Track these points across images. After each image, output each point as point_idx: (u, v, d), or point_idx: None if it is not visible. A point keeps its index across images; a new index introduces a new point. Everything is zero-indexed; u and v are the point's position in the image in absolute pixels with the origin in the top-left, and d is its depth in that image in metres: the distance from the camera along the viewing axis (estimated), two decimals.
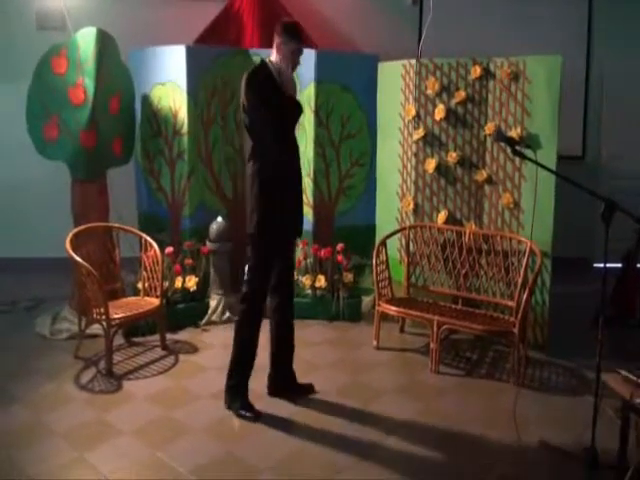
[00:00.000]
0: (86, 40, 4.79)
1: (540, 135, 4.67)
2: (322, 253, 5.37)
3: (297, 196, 3.81)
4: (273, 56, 3.66)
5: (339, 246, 5.39)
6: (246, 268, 3.77)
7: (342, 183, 5.73)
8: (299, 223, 3.86)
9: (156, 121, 5.57)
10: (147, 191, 5.74)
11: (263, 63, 3.67)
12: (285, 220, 3.73)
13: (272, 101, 3.53)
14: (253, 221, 3.68)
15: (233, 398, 3.79)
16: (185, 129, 5.42)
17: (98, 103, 4.82)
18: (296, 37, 3.63)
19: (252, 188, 3.67)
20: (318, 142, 5.59)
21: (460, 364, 4.56)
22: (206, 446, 3.43)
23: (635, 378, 2.70)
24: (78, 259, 4.24)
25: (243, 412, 3.73)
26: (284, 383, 4.02)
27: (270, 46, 5.80)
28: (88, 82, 4.78)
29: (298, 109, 3.76)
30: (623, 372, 2.85)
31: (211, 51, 5.62)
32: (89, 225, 4.78)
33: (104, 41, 4.85)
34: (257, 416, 3.71)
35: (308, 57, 5.52)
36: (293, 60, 3.67)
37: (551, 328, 4.79)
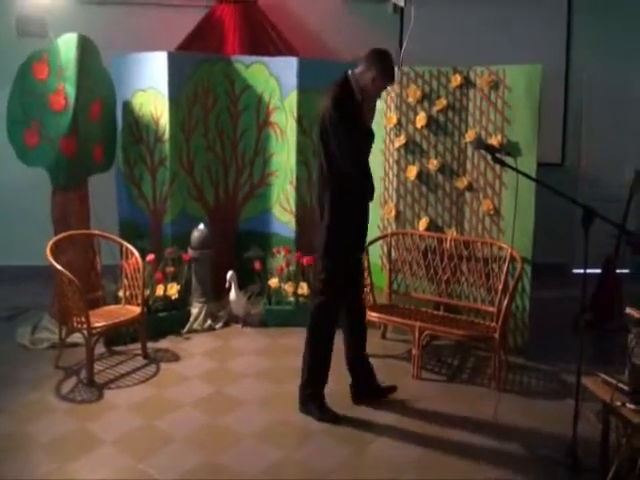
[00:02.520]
0: (67, 46, 4.77)
1: (520, 142, 4.72)
2: (305, 260, 5.37)
3: (367, 216, 3.83)
4: (358, 71, 3.61)
5: None
6: (321, 277, 3.77)
7: None
8: (364, 241, 3.93)
9: (137, 128, 5.56)
10: (128, 198, 5.72)
11: (346, 79, 3.61)
12: (356, 237, 3.78)
13: (353, 128, 3.51)
14: (326, 236, 3.67)
15: (311, 407, 3.82)
16: (167, 136, 5.42)
17: (79, 109, 4.80)
18: (391, 79, 3.66)
19: (326, 205, 3.63)
20: (300, 150, 5.60)
21: (442, 370, 4.58)
22: (188, 455, 3.41)
23: (614, 381, 2.73)
24: (59, 267, 4.21)
25: (324, 419, 3.75)
26: (367, 390, 4.05)
27: (251, 53, 5.91)
28: (69, 88, 4.76)
29: (372, 137, 3.75)
30: (603, 375, 2.89)
31: (193, 58, 5.63)
32: (70, 233, 4.74)
33: (85, 47, 4.83)
34: (337, 418, 3.76)
35: (290, 65, 5.56)
36: (377, 94, 3.67)
37: (531, 333, 4.83)
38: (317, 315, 3.81)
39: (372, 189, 3.74)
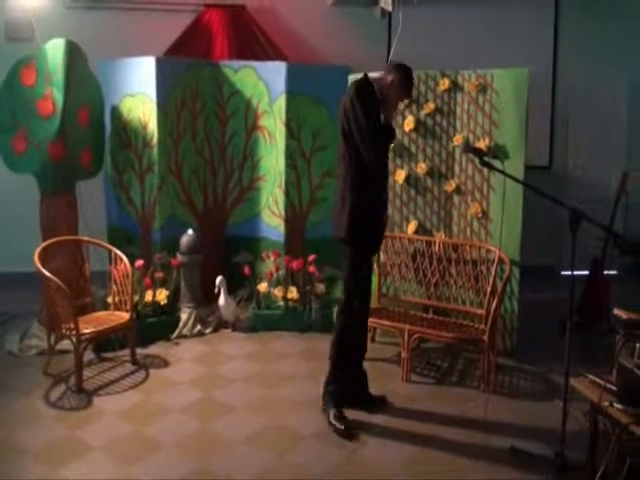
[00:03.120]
0: (55, 51, 4.75)
1: (508, 146, 4.75)
2: (294, 265, 5.38)
3: (383, 208, 3.88)
4: (378, 75, 3.68)
5: (311, 257, 5.40)
6: (347, 267, 3.77)
7: (313, 194, 5.77)
8: (382, 234, 3.93)
9: (125, 133, 5.55)
10: (117, 204, 5.71)
11: (367, 79, 3.67)
12: (373, 228, 3.78)
13: (372, 116, 3.55)
14: (345, 228, 3.68)
15: (329, 404, 3.80)
16: (155, 141, 5.41)
17: (67, 115, 4.78)
18: (410, 91, 3.75)
19: (347, 194, 3.66)
20: (289, 154, 5.62)
21: (431, 372, 4.59)
22: (178, 462, 3.39)
23: (602, 382, 2.75)
24: (47, 273, 4.19)
25: (335, 422, 3.72)
26: (355, 393, 4.00)
27: (240, 57, 5.92)
28: (57, 94, 4.74)
29: (392, 132, 3.78)
30: (591, 376, 2.91)
31: (181, 63, 5.63)
32: (58, 239, 4.72)
33: (73, 52, 4.82)
34: (348, 428, 3.68)
35: (279, 70, 5.57)
36: (394, 102, 3.73)
37: (520, 335, 4.85)
38: (346, 310, 3.78)
39: (385, 179, 3.80)
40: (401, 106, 4.94)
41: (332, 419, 3.74)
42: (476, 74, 4.88)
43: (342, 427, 3.68)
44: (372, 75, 3.71)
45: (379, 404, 4.03)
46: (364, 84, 3.64)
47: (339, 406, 3.80)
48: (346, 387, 3.92)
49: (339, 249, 3.80)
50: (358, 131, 3.54)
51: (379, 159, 3.66)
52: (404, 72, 3.66)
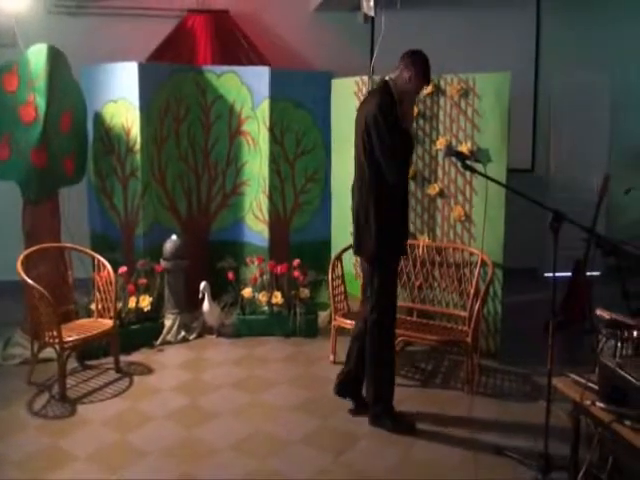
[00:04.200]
0: (37, 57, 4.72)
1: (490, 149, 4.78)
2: (278, 269, 5.37)
3: (407, 220, 3.87)
4: (394, 75, 3.67)
5: (295, 262, 5.39)
6: (374, 286, 3.74)
7: (297, 199, 5.77)
8: (406, 247, 3.91)
9: (108, 139, 5.53)
10: (100, 210, 5.68)
11: (387, 85, 3.66)
12: (399, 240, 3.77)
13: (395, 131, 3.55)
14: (372, 248, 3.67)
15: (386, 420, 3.77)
16: (138, 147, 5.39)
17: (49, 121, 4.75)
18: (428, 77, 3.70)
19: (370, 210, 3.65)
20: (273, 159, 5.62)
21: (416, 375, 4.61)
22: (164, 469, 3.38)
23: (584, 381, 2.77)
24: (30, 281, 4.15)
25: (399, 428, 3.74)
26: (353, 390, 4.01)
27: (223, 62, 5.93)
28: (39, 100, 4.71)
29: (410, 139, 3.78)
30: (573, 376, 2.93)
31: (164, 68, 5.62)
32: (41, 246, 4.68)
33: (55, 58, 4.79)
34: (412, 426, 3.75)
35: (262, 74, 5.58)
36: (414, 96, 3.76)
37: (503, 336, 4.87)
38: (378, 328, 3.75)
39: (405, 193, 3.78)
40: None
41: (395, 428, 3.74)
42: (458, 78, 4.91)
43: (410, 428, 3.74)
44: (389, 77, 3.70)
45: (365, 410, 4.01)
46: (385, 96, 3.62)
47: (394, 414, 3.80)
48: (348, 384, 3.97)
49: (363, 267, 3.82)
50: (381, 148, 3.54)
51: (402, 174, 3.66)
52: (420, 64, 3.64)
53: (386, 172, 3.57)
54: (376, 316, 3.73)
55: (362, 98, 5.12)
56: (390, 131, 3.53)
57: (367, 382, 3.84)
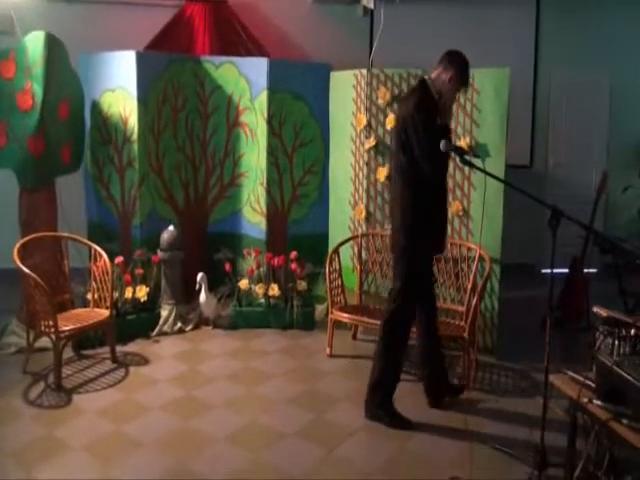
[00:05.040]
0: (34, 44, 4.69)
1: (489, 144, 4.77)
2: (275, 262, 5.37)
3: (446, 214, 3.87)
4: (434, 75, 3.69)
5: (292, 254, 5.39)
6: (396, 284, 3.79)
7: (295, 191, 5.76)
8: (444, 241, 3.91)
9: (106, 128, 5.50)
10: (96, 200, 5.65)
11: (425, 84, 3.68)
12: (434, 236, 3.78)
13: (433, 130, 3.56)
14: (404, 236, 3.69)
15: (381, 413, 3.78)
16: (135, 136, 5.36)
17: (47, 109, 4.72)
18: (466, 79, 3.73)
19: (406, 206, 3.67)
20: (271, 150, 5.60)
21: (412, 370, 4.60)
22: (158, 460, 3.38)
23: (582, 378, 2.78)
24: (26, 270, 4.14)
25: (396, 424, 3.74)
26: (439, 393, 4.04)
27: (221, 53, 5.89)
28: (36, 87, 4.68)
29: (448, 135, 3.76)
30: (570, 373, 2.93)
31: (162, 58, 5.58)
32: (37, 235, 4.65)
33: (53, 46, 4.76)
34: (410, 423, 3.75)
35: (260, 66, 5.55)
36: (453, 96, 3.76)
37: (500, 332, 4.88)
38: (392, 320, 3.78)
39: (445, 191, 3.82)
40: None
41: (392, 424, 3.75)
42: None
43: (406, 425, 3.74)
44: (428, 76, 3.72)
45: (459, 392, 4.13)
46: (423, 95, 3.64)
47: (392, 408, 3.81)
48: (433, 385, 4.02)
49: (395, 261, 3.85)
50: (419, 146, 3.55)
51: (439, 171, 3.68)
52: (460, 65, 3.66)
53: (424, 170, 3.59)
54: (394, 306, 3.76)
55: (359, 91, 5.12)
56: (428, 130, 3.54)
57: (373, 367, 3.84)
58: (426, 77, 3.72)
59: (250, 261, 5.50)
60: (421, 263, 3.81)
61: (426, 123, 3.55)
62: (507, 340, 4.94)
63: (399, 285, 3.76)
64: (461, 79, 3.69)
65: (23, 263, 4.21)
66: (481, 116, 4.80)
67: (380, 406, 3.80)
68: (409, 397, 4.15)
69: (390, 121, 5.03)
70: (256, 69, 5.59)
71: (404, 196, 3.68)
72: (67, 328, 4.22)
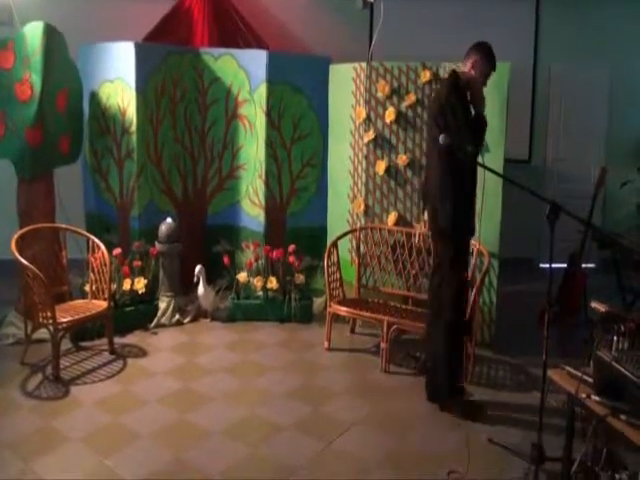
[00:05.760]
0: (33, 34, 4.66)
1: (488, 139, 4.74)
2: (274, 254, 5.36)
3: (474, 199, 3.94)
4: (465, 68, 3.81)
5: (291, 247, 5.38)
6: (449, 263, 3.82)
7: (294, 184, 5.75)
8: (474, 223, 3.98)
9: (104, 119, 5.48)
10: (95, 191, 5.64)
11: (455, 73, 3.80)
12: (471, 220, 3.87)
13: (466, 111, 3.70)
14: (449, 223, 3.74)
15: (455, 403, 3.84)
16: (134, 127, 5.34)
17: (45, 99, 4.70)
18: (492, 61, 3.79)
19: (450, 189, 3.73)
20: (270, 143, 5.58)
21: (410, 363, 4.62)
22: (156, 452, 3.38)
23: (579, 373, 2.78)
24: (24, 261, 4.13)
25: (470, 412, 3.81)
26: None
27: (220, 44, 5.87)
28: (35, 78, 4.66)
29: (483, 122, 3.84)
30: (568, 368, 2.94)
31: (160, 49, 5.56)
32: (35, 226, 4.65)
33: (51, 36, 4.74)
34: (482, 409, 3.85)
35: (259, 58, 5.53)
36: (484, 80, 3.82)
37: (498, 326, 4.90)
38: (453, 306, 3.82)
39: (474, 174, 3.86)
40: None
41: (466, 413, 3.80)
42: (457, 66, 4.87)
43: (481, 410, 3.83)
44: (459, 70, 3.83)
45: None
46: (454, 81, 3.74)
47: (463, 397, 3.92)
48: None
49: (437, 249, 3.90)
50: (456, 126, 3.61)
51: (475, 148, 3.73)
52: (483, 50, 3.78)
53: (462, 144, 3.62)
54: (452, 292, 3.79)
55: (359, 84, 5.11)
56: (462, 106, 3.67)
57: (435, 363, 3.90)
58: (455, 67, 3.85)
59: (248, 254, 5.50)
60: (465, 247, 3.89)
61: (459, 102, 3.67)
62: (505, 334, 4.95)
63: (451, 266, 3.79)
64: (487, 63, 3.78)
65: (21, 254, 4.21)
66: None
67: (455, 398, 3.86)
68: (407, 390, 4.16)
69: (390, 114, 5.03)
70: (255, 61, 5.57)
71: (446, 180, 3.72)
72: (65, 320, 4.22)
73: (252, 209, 5.73)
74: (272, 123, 5.59)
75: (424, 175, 4.16)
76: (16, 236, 4.38)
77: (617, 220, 7.15)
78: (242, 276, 5.38)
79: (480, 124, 3.79)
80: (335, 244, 5.05)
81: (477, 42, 3.86)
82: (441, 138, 3.35)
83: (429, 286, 4.01)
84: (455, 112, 3.63)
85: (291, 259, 5.35)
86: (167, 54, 5.55)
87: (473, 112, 3.77)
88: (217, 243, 5.76)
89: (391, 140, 5.09)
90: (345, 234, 5.18)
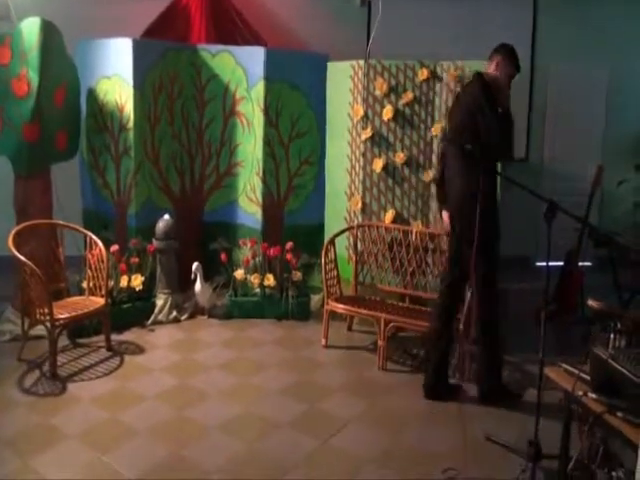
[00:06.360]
0: (30, 30, 4.64)
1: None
2: (271, 252, 5.36)
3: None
4: (489, 69, 3.91)
5: (288, 245, 5.38)
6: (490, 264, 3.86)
7: (291, 182, 5.75)
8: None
9: (102, 115, 5.47)
10: (92, 187, 5.63)
11: (481, 75, 3.87)
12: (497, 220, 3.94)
13: (495, 112, 3.76)
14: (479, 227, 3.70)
15: (502, 395, 3.96)
16: (131, 124, 5.34)
17: (42, 95, 4.69)
18: (515, 62, 3.90)
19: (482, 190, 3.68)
20: (267, 140, 5.58)
21: (407, 361, 4.63)
22: (153, 448, 3.39)
23: (576, 371, 2.79)
24: (21, 257, 4.12)
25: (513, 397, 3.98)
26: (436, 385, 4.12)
27: (218, 41, 5.86)
28: (32, 74, 4.64)
29: (509, 121, 3.88)
30: (565, 365, 2.94)
31: (158, 45, 5.55)
32: (32, 222, 4.65)
33: (49, 32, 4.72)
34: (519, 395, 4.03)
35: (257, 55, 5.52)
36: (508, 81, 3.91)
37: None
38: (495, 303, 3.90)
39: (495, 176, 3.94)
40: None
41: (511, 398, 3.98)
42: (455, 65, 4.89)
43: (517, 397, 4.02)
44: (486, 73, 3.90)
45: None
46: (482, 83, 3.80)
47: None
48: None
49: (462, 248, 3.90)
50: (487, 124, 3.67)
51: (509, 148, 3.85)
52: (504, 51, 3.89)
53: (497, 149, 3.73)
54: (493, 288, 3.86)
55: (356, 82, 5.11)
56: (490, 108, 3.72)
57: (485, 360, 3.98)
58: (482, 72, 3.90)
59: (246, 251, 5.50)
60: (494, 247, 3.92)
61: (488, 103, 3.72)
62: (501, 332, 4.94)
63: (492, 267, 3.85)
64: (510, 64, 3.87)
65: (18, 250, 4.20)
66: None
67: (500, 390, 3.97)
68: (404, 388, 4.17)
69: (387, 112, 5.03)
70: (253, 58, 5.56)
71: (477, 180, 3.69)
72: (62, 316, 4.22)
73: (249, 206, 5.72)
74: (270, 121, 5.58)
75: (436, 175, 4.27)
76: (13, 232, 4.38)
77: (614, 218, 7.17)
78: (239, 273, 5.38)
79: (507, 123, 3.84)
80: (332, 241, 5.05)
81: (500, 44, 3.96)
82: (440, 136, 3.37)
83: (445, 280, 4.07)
84: (485, 114, 3.68)
85: (288, 256, 5.35)
86: (165, 51, 5.54)
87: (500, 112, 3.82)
88: (214, 240, 5.76)
89: (388, 138, 5.09)
90: (342, 232, 5.18)
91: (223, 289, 5.56)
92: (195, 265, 5.28)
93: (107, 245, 4.84)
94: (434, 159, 5.01)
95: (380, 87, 5.05)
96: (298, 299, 5.37)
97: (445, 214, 4.13)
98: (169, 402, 3.89)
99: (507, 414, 3.85)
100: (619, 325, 2.85)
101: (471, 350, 4.45)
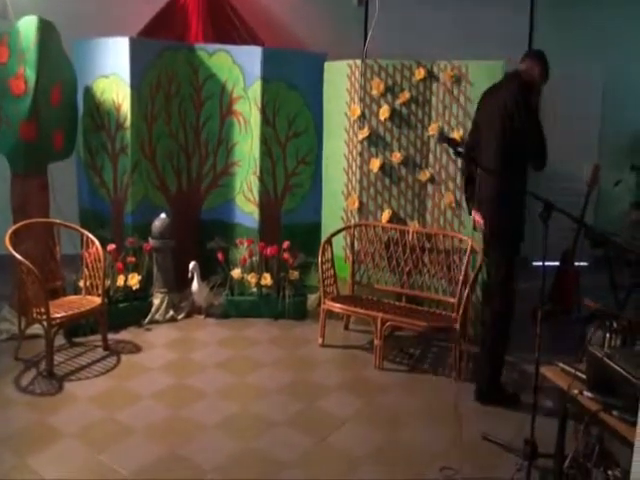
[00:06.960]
0: (27, 29, 4.63)
1: None
2: (268, 251, 5.36)
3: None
4: (524, 67, 3.96)
5: (285, 244, 5.39)
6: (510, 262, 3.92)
7: (288, 181, 5.75)
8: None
9: (99, 114, 5.46)
10: (89, 186, 5.63)
11: (519, 75, 3.92)
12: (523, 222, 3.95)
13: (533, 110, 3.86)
14: (509, 223, 3.82)
15: (499, 395, 3.98)
16: (128, 123, 5.33)
17: (39, 94, 4.67)
18: (548, 73, 4.02)
19: (518, 191, 3.75)
20: (264, 140, 5.58)
21: (403, 360, 4.64)
22: (150, 447, 3.39)
23: (572, 370, 2.80)
24: (18, 256, 4.12)
25: (511, 399, 3.98)
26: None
27: (215, 41, 5.86)
28: (29, 72, 4.63)
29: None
30: (561, 364, 2.96)
31: (155, 44, 5.54)
32: (29, 221, 4.63)
33: (46, 30, 4.70)
34: (517, 396, 4.01)
35: (254, 54, 5.52)
36: (539, 89, 4.05)
37: None
38: (509, 301, 3.95)
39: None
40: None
41: (509, 400, 3.98)
42: (452, 65, 4.90)
43: (516, 399, 3.99)
44: (518, 68, 3.96)
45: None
46: (522, 82, 3.86)
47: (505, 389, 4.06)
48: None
49: (490, 249, 3.96)
50: (535, 131, 3.75)
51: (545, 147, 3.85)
52: (545, 61, 3.99)
53: (540, 153, 3.78)
54: (506, 288, 3.92)
55: (353, 81, 5.11)
56: (531, 109, 3.80)
57: (487, 358, 4.01)
58: (517, 69, 3.94)
59: (243, 250, 5.50)
60: (518, 249, 3.97)
61: (529, 104, 3.79)
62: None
63: (509, 265, 3.91)
64: (544, 73, 3.98)
65: (15, 249, 4.20)
66: (474, 108, 4.77)
67: (499, 392, 3.99)
68: (400, 387, 4.18)
69: (384, 112, 5.04)
70: (250, 58, 5.56)
71: (515, 180, 3.77)
72: (59, 315, 4.21)
73: (246, 206, 5.72)
74: (267, 120, 5.58)
75: (464, 171, 4.27)
76: (10, 231, 4.37)
77: (610, 218, 7.18)
78: (236, 272, 5.38)
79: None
80: (329, 241, 5.06)
81: (536, 50, 4.09)
82: (436, 136, 3.38)
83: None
84: (527, 112, 3.74)
85: (285, 256, 5.36)
86: (162, 50, 5.54)
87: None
88: (211, 239, 5.76)
89: (385, 137, 5.10)
90: (339, 231, 5.19)
91: (220, 288, 5.56)
92: (192, 264, 5.28)
93: (104, 244, 4.83)
94: (431, 159, 5.02)
95: (377, 87, 5.05)
96: (295, 298, 5.37)
97: (476, 213, 4.06)
98: (166, 401, 3.89)
99: (503, 413, 3.86)
100: (615, 324, 2.86)
101: (468, 349, 4.47)
